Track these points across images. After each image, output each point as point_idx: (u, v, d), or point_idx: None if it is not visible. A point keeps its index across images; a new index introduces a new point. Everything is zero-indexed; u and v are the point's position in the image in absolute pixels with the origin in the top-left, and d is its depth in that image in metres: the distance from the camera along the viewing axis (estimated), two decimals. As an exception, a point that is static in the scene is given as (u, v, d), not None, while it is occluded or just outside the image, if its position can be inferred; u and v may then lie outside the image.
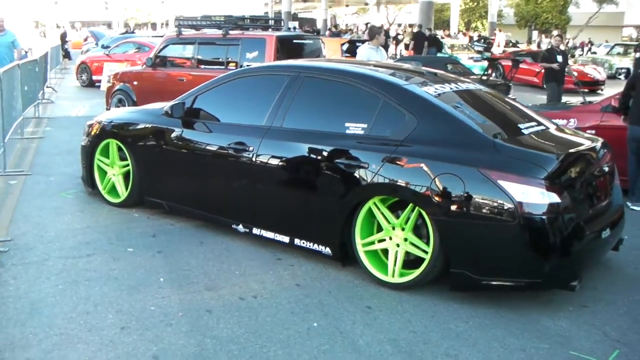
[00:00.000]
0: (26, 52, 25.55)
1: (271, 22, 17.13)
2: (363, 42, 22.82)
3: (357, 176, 6.53)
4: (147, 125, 8.40)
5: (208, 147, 7.76)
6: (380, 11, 75.96)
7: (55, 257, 6.98)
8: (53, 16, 72.58)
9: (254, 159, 7.25)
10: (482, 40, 44.08)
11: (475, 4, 66.02)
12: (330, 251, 6.85)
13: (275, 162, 7.16)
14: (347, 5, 72.65)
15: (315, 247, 6.95)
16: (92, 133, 9.14)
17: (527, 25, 62.26)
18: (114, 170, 8.91)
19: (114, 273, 6.61)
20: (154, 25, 77.99)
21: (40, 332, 5.35)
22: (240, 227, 7.54)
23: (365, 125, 6.67)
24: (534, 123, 6.98)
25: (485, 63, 26.61)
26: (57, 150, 12.97)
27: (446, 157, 6.14)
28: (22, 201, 9.15)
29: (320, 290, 6.39)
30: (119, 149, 8.80)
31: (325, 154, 6.78)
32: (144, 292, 6.17)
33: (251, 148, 7.27)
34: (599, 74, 29.85)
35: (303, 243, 7.05)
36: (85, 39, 45.22)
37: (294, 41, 14.60)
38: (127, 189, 8.73)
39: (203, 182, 7.93)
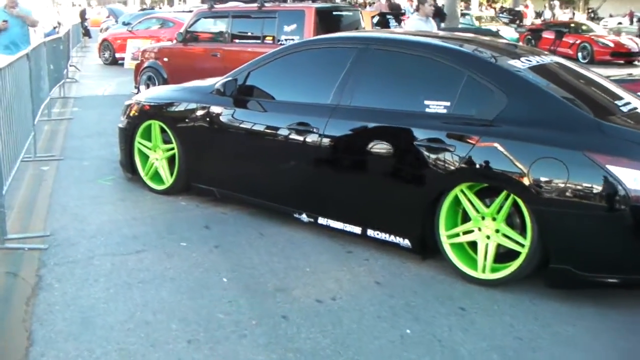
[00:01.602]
0: (54, 28, 24.92)
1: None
2: (393, 14, 22.03)
3: (441, 160, 5.77)
4: (194, 105, 7.63)
5: (265, 128, 7.02)
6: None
7: (102, 255, 6.25)
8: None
9: (319, 141, 6.50)
10: (508, 12, 43.12)
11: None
12: (409, 243, 6.11)
13: (344, 144, 6.43)
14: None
15: (392, 238, 6.21)
16: (132, 114, 8.38)
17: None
18: (157, 155, 8.14)
19: (169, 273, 5.86)
20: (170, 1, 77.05)
21: (97, 348, 4.61)
22: (304, 217, 6.78)
23: (447, 104, 5.90)
24: (628, 100, 6.21)
25: (516, 35, 25.70)
26: (88, 132, 12.24)
27: (545, 139, 5.38)
28: (57, 189, 8.42)
29: (403, 288, 5.65)
30: (162, 131, 8.03)
31: (402, 135, 6.04)
32: (207, 296, 5.42)
33: (316, 129, 6.51)
34: (636, 45, 28.85)
35: (377, 234, 6.30)
36: (107, 16, 44.46)
37: (334, 13, 13.75)
38: (172, 174, 7.98)
39: (259, 167, 7.18)
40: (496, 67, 6.04)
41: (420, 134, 5.91)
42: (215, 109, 7.39)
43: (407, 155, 6.01)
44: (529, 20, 42.77)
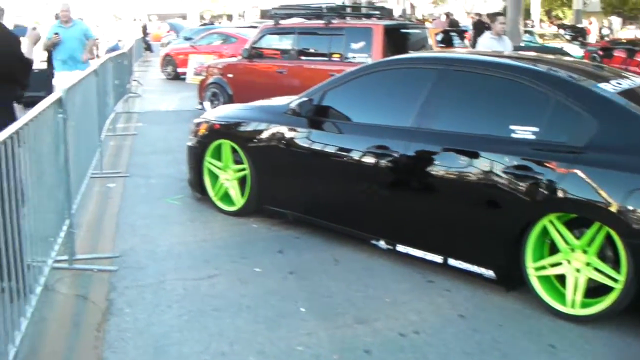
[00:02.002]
0: (118, 43, 25.05)
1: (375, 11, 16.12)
2: (456, 32, 21.72)
3: (529, 189, 5.47)
4: (267, 125, 7.43)
5: (341, 151, 6.79)
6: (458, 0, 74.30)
7: (173, 279, 6.06)
8: (130, 10, 72.85)
9: (399, 165, 6.26)
10: (571, 29, 42.44)
11: (557, -9, 63.81)
12: (493, 274, 5.82)
13: (425, 169, 6.14)
14: (424, -6, 71.13)
15: (475, 268, 5.92)
16: (201, 133, 8.20)
17: (613, 12, 60.05)
18: (227, 175, 7.95)
19: (244, 300, 5.64)
20: (229, 17, 77.54)
21: (173, 381, 4.41)
22: (382, 243, 6.54)
23: (535, 129, 5.59)
24: None
25: (581, 52, 25.13)
26: (153, 148, 12.14)
27: None
28: (124, 208, 8.28)
29: (488, 322, 5.35)
30: (233, 150, 7.84)
31: (487, 161, 5.74)
32: (285, 327, 5.18)
33: (396, 152, 6.27)
34: None
35: (459, 264, 6.02)
36: (168, 31, 44.77)
37: (401, 31, 13.51)
38: (243, 195, 7.77)
39: (335, 191, 6.96)
40: (587, 91, 5.73)
41: (506, 161, 5.62)
42: (289, 130, 7.19)
43: (493, 183, 5.71)
44: (593, 37, 42.06)
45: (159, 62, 27.64)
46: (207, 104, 15.27)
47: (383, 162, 6.38)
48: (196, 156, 8.23)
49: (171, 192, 8.95)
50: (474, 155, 5.83)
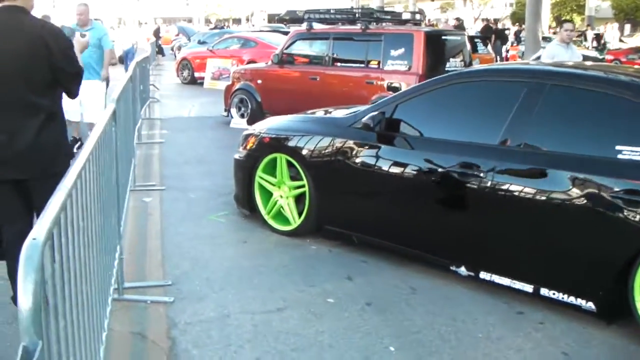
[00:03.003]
0: (133, 45, 24.50)
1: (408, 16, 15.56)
2: (481, 38, 21.14)
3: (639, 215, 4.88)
4: (330, 138, 6.85)
5: (416, 169, 6.20)
6: (466, 6, 73.84)
7: (238, 312, 5.44)
8: (135, 13, 72.30)
9: (484, 186, 5.67)
10: (583, 36, 41.98)
11: (567, -4, 63.09)
12: (593, 306, 5.22)
13: (516, 190, 5.55)
14: (432, 0, 70.48)
15: (572, 300, 5.32)
16: (251, 146, 7.62)
17: (625, 19, 59.50)
18: (282, 192, 7.35)
19: (324, 338, 5.03)
20: (237, 20, 77.05)
21: None
22: (463, 270, 5.94)
23: None
24: None
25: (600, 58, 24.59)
26: (184, 158, 11.52)
27: None
28: (167, 226, 7.68)
29: (596, 362, 4.76)
30: (289, 165, 7.24)
31: (590, 184, 5.17)
32: (378, 371, 4.59)
33: (481, 172, 5.68)
34: None
35: (553, 294, 5.41)
36: (177, 35, 44.25)
37: (442, 37, 12.94)
38: (299, 214, 7.18)
39: (408, 212, 6.36)
40: None
41: (612, 184, 5.04)
42: (357, 144, 6.61)
43: (596, 208, 5.13)
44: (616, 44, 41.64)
45: (173, 66, 27.07)
46: (234, 111, 14.75)
47: (465, 182, 5.80)
48: (245, 170, 7.65)
49: (213, 208, 8.36)
50: (573, 177, 5.25)
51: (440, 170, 6.01)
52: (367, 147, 6.52)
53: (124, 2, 74.38)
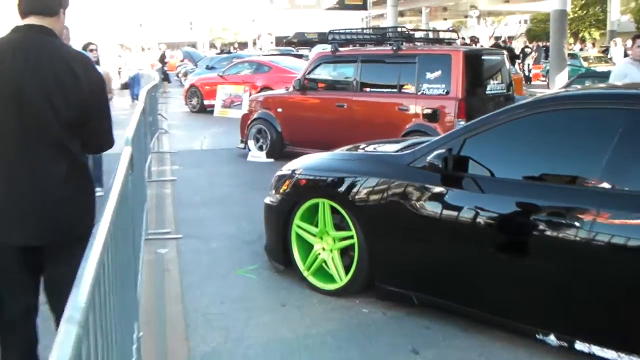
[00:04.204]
0: (138, 72, 23.53)
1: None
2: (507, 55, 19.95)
3: None
4: (384, 180, 5.67)
5: (493, 217, 5.06)
6: (480, 24, 73.12)
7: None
8: (138, 38, 71.57)
9: (580, 238, 4.49)
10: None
11: (585, 12, 61.91)
12: None
13: (625, 243, 4.40)
14: (445, 19, 69.50)
15: None
16: (286, 189, 6.46)
17: (648, 32, 58.38)
18: (325, 243, 6.17)
19: None
20: (242, 45, 76.18)
21: None
22: (552, 338, 4.72)
23: None
24: None
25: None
26: (201, 198, 10.29)
27: None
28: (188, 286, 6.49)
29: None
30: (333, 212, 6.07)
31: None
32: None
33: (576, 221, 4.51)
34: None
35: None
36: (182, 60, 43.23)
37: (482, 57, 11.78)
38: (346, 270, 6.00)
39: (482, 269, 5.16)
40: None
41: None
42: (418, 187, 5.43)
43: None
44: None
45: (179, 93, 25.98)
46: (251, 143, 13.60)
47: (559, 234, 4.62)
48: (280, 218, 6.48)
49: (241, 260, 7.18)
50: None
51: (522, 219, 4.88)
52: (430, 191, 5.35)
53: (126, 27, 73.70)
